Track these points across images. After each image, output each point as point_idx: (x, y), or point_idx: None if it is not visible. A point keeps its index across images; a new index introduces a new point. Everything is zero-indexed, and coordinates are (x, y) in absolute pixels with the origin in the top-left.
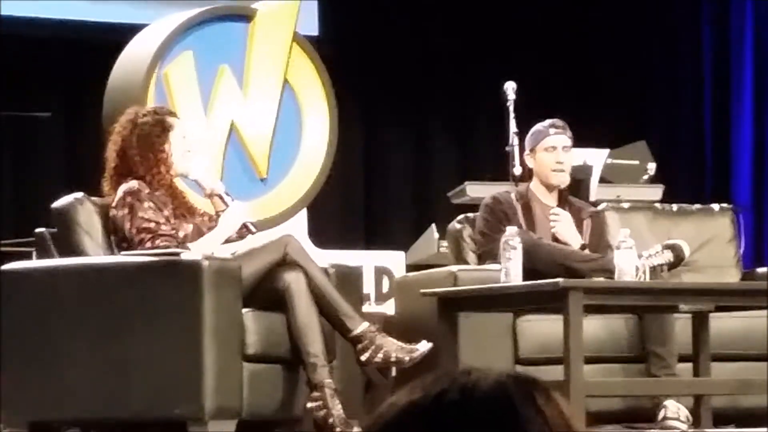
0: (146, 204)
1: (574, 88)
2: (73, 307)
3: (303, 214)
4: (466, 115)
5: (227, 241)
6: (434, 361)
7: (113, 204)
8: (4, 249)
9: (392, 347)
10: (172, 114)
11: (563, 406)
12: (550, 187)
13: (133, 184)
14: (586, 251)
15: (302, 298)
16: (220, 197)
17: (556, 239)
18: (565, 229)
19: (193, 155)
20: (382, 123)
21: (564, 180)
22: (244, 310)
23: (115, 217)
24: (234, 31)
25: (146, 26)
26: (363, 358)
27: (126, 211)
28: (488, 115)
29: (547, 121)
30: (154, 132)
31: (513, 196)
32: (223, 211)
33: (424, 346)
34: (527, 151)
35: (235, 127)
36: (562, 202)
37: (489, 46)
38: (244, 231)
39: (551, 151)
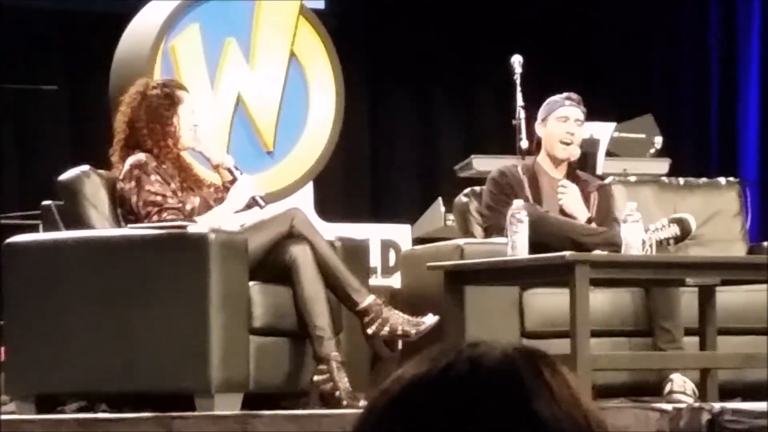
0: (153, 177)
1: (580, 62)
2: (79, 279)
3: (309, 187)
4: (473, 88)
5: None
6: (440, 334)
7: (120, 177)
8: (10, 222)
9: (399, 320)
10: (182, 88)
11: (570, 380)
12: (557, 160)
13: (141, 156)
14: (593, 225)
15: (309, 271)
16: (229, 170)
17: (563, 212)
18: (571, 202)
19: (200, 129)
20: (389, 96)
21: (573, 153)
22: (250, 283)
23: (122, 189)
24: (240, 4)
25: None
26: (369, 331)
27: (133, 184)
28: (495, 88)
29: (564, 93)
30: (163, 105)
31: (520, 169)
32: (231, 182)
33: (430, 320)
34: (539, 121)
35: (242, 99)
36: (570, 175)
37: (496, 18)
38: (252, 203)
39: (563, 121)
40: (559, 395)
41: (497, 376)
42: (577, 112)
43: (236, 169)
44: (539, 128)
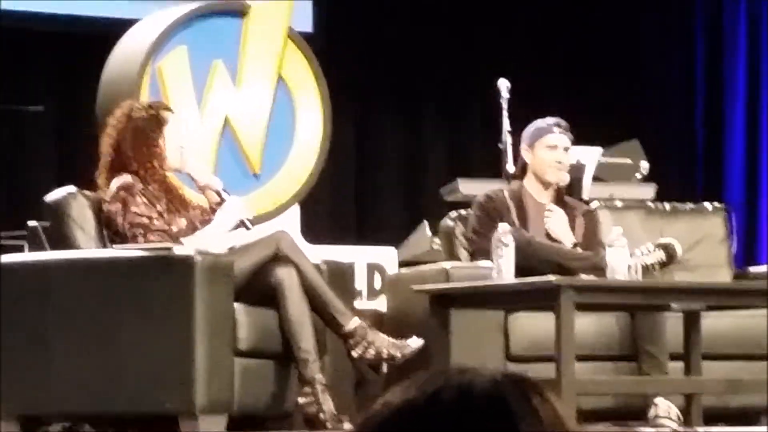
0: (139, 199)
1: (567, 86)
2: (64, 300)
3: (296, 210)
4: (459, 112)
5: None
6: (426, 357)
7: (107, 198)
8: None
9: (384, 343)
10: (167, 108)
11: (558, 406)
12: (546, 184)
13: (126, 178)
14: (579, 249)
15: (294, 294)
16: (217, 193)
17: (549, 236)
18: (557, 227)
19: (186, 150)
20: (375, 119)
21: (563, 178)
22: (236, 305)
23: (108, 211)
24: (228, 26)
25: (139, 21)
26: (355, 354)
27: (119, 206)
28: (481, 112)
29: (550, 119)
30: (149, 126)
31: (506, 193)
32: (218, 204)
33: (415, 343)
34: (524, 146)
35: (229, 121)
36: (557, 199)
37: (482, 42)
38: (240, 225)
39: (552, 150)
40: (547, 421)
41: (486, 402)
42: (566, 139)
43: (224, 191)
44: (525, 153)
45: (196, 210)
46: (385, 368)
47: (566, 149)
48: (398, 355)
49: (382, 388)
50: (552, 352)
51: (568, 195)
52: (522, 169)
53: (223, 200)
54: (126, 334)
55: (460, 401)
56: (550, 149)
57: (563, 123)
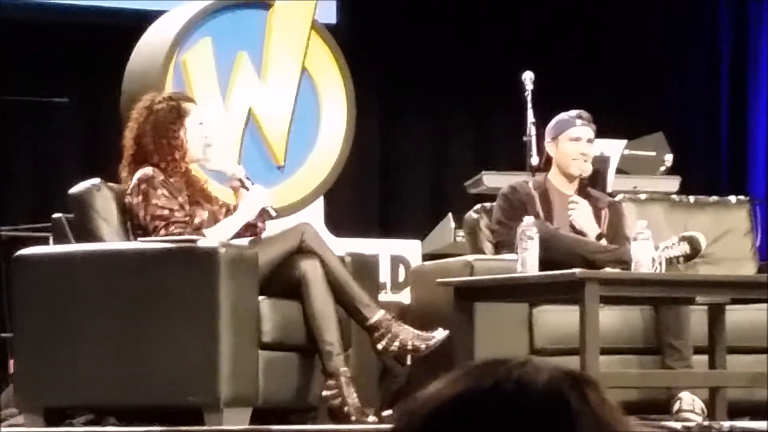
0: (160, 191)
1: (591, 79)
2: (89, 292)
3: (320, 202)
4: (484, 104)
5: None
6: (450, 350)
7: (128, 191)
8: (21, 234)
9: (408, 335)
10: (189, 99)
11: (614, 405)
12: (569, 177)
13: (147, 170)
14: (603, 241)
15: (318, 287)
16: (241, 181)
17: (573, 228)
18: (582, 218)
19: (211, 145)
20: (400, 111)
21: (586, 169)
22: (260, 298)
23: (130, 204)
24: (252, 18)
25: (165, 12)
26: (379, 346)
27: (140, 198)
28: (506, 104)
29: (573, 112)
30: (169, 119)
31: (530, 185)
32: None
33: (440, 334)
34: (548, 139)
35: (253, 114)
36: (581, 192)
37: (507, 35)
38: (264, 215)
39: (576, 142)
40: (603, 419)
41: (544, 397)
42: (589, 131)
43: (248, 179)
44: (549, 146)
45: (221, 207)
46: (409, 360)
47: (590, 141)
48: (423, 346)
49: (407, 380)
50: (576, 345)
51: (592, 187)
52: (546, 162)
53: (246, 189)
54: (150, 327)
55: (519, 394)
56: (573, 141)
57: (586, 114)
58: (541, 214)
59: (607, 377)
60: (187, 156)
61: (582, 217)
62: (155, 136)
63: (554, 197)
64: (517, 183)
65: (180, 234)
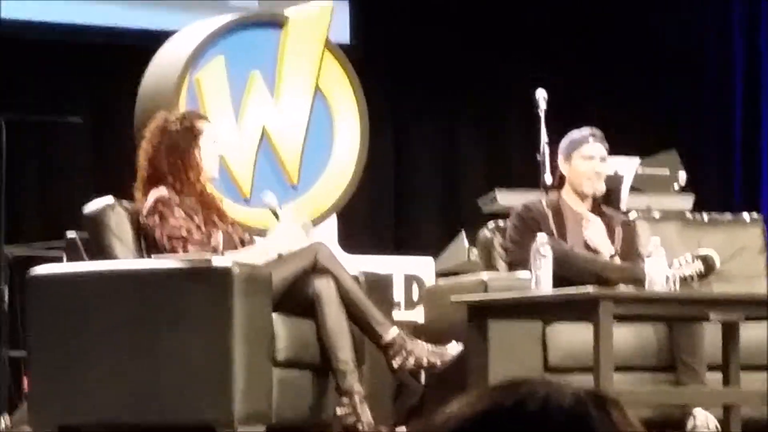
0: (177, 212)
1: (604, 97)
2: (103, 311)
3: (333, 220)
4: (497, 122)
5: None
6: (464, 368)
7: (144, 212)
8: (34, 253)
9: (423, 351)
10: (202, 118)
11: (638, 426)
12: (583, 195)
13: (163, 191)
14: (617, 259)
15: (332, 305)
16: (273, 211)
17: (587, 246)
18: (596, 236)
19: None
20: (413, 130)
21: (599, 188)
22: (274, 316)
23: (146, 224)
24: (266, 37)
25: (178, 32)
26: (395, 364)
27: (157, 218)
28: (519, 122)
29: (586, 129)
30: (183, 139)
31: (544, 203)
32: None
33: (454, 348)
34: (561, 158)
35: (267, 133)
36: (595, 210)
37: (520, 53)
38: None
39: (588, 160)
40: None
41: (568, 417)
42: (601, 149)
43: (279, 208)
44: (562, 165)
45: (235, 225)
46: (423, 376)
47: (602, 159)
48: (438, 362)
49: (421, 398)
50: (590, 363)
51: (606, 205)
52: (560, 181)
53: (277, 220)
54: (164, 345)
55: (543, 414)
56: (586, 160)
57: (598, 132)
58: (555, 232)
59: (621, 395)
60: (201, 176)
61: (595, 235)
62: (169, 156)
63: (567, 215)
64: (530, 201)
65: (197, 253)
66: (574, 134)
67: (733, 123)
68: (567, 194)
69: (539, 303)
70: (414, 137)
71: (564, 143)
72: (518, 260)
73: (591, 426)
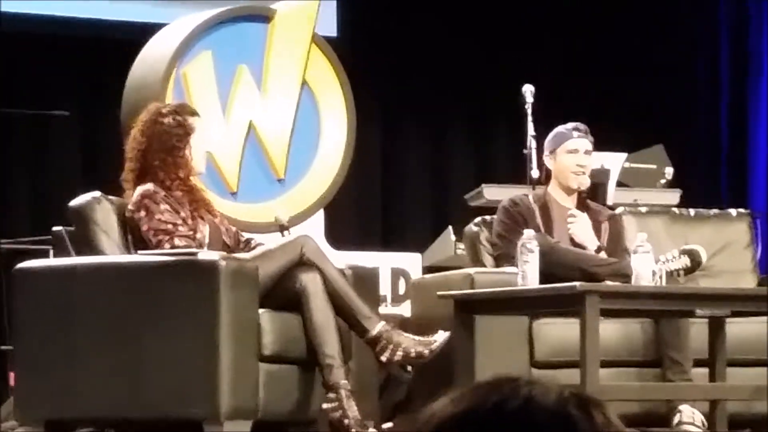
0: (162, 206)
1: (591, 92)
2: (89, 305)
3: (320, 215)
4: (484, 117)
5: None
6: (450, 363)
7: (130, 206)
8: (21, 247)
9: (410, 343)
10: (193, 113)
11: (620, 427)
12: (568, 190)
13: (149, 186)
14: (603, 254)
15: (318, 299)
16: (281, 227)
17: (573, 241)
18: (581, 231)
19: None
20: (400, 124)
21: (584, 182)
22: (260, 311)
23: (131, 218)
24: (253, 31)
25: (165, 25)
26: (383, 357)
27: (143, 213)
28: (506, 117)
29: (570, 124)
30: (175, 137)
31: (531, 198)
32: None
33: (441, 336)
34: (547, 153)
35: (254, 127)
36: (581, 205)
37: (507, 48)
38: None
39: (573, 154)
40: None
41: (550, 417)
42: (586, 143)
43: (286, 228)
44: (548, 160)
45: (220, 218)
46: (411, 369)
47: (587, 152)
48: (426, 352)
49: (407, 392)
50: (576, 358)
51: (592, 200)
52: (546, 176)
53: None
54: (150, 340)
55: (524, 412)
56: (570, 154)
57: (582, 126)
58: (542, 227)
59: (608, 390)
60: (191, 172)
61: (581, 230)
62: (160, 153)
63: (554, 210)
64: (517, 196)
65: (185, 247)
66: (559, 129)
67: (720, 119)
68: (553, 189)
69: (526, 298)
70: (401, 132)
71: (549, 138)
72: (505, 255)
73: (573, 427)
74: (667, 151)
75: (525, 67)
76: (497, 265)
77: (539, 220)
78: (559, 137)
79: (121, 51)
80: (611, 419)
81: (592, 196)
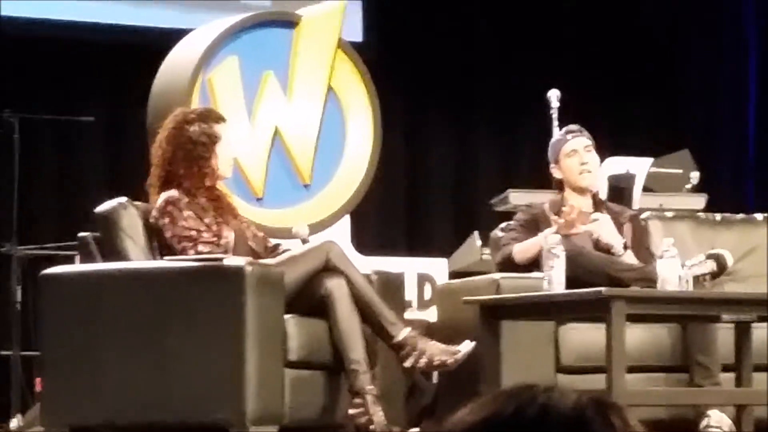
0: (186, 213)
1: (617, 97)
2: (115, 311)
3: (346, 220)
4: (510, 121)
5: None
6: (476, 368)
7: (154, 212)
8: (47, 253)
9: (435, 350)
10: (220, 120)
11: (640, 431)
12: (581, 191)
13: (173, 193)
14: (629, 252)
15: (344, 305)
16: (303, 242)
17: (597, 244)
18: (606, 232)
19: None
20: (426, 129)
21: (593, 180)
22: (286, 316)
23: (156, 224)
24: (279, 37)
25: (190, 31)
26: (407, 363)
27: (166, 220)
28: (532, 122)
29: (563, 129)
30: (201, 145)
31: (546, 205)
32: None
33: (466, 347)
34: (552, 164)
35: (279, 132)
36: (598, 206)
37: (533, 54)
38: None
39: (573, 155)
40: None
41: (568, 422)
42: (583, 140)
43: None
44: (555, 171)
45: (246, 224)
46: (436, 376)
47: (587, 148)
48: (450, 360)
49: (433, 398)
50: (602, 363)
51: (618, 204)
52: (559, 184)
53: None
54: (176, 345)
55: (542, 420)
56: (571, 155)
57: (575, 127)
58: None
59: (634, 395)
60: (215, 180)
61: (606, 231)
62: (186, 161)
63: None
64: (533, 203)
65: (209, 253)
66: (554, 138)
67: (746, 123)
68: (569, 195)
69: (552, 303)
70: (427, 136)
71: (549, 151)
72: (504, 260)
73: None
74: (693, 156)
75: (551, 71)
76: (499, 270)
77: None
78: (555, 145)
79: (146, 56)
80: (630, 423)
81: (618, 200)
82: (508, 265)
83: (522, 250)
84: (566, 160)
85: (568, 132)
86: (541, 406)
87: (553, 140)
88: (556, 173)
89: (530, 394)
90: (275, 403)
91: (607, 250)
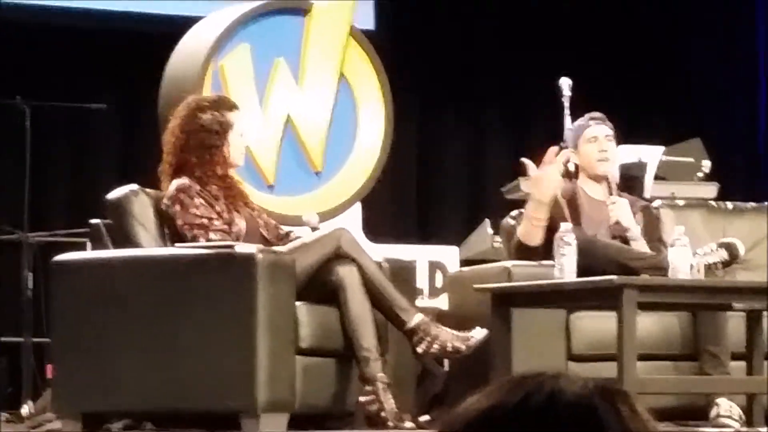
0: (197, 200)
1: (629, 85)
2: (126, 298)
3: (357, 208)
4: (521, 109)
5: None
6: (487, 356)
7: (165, 200)
8: (58, 239)
9: (448, 337)
10: (232, 107)
11: (647, 418)
12: (597, 179)
13: (184, 180)
14: (643, 241)
15: (356, 292)
16: (313, 230)
17: (615, 228)
18: (625, 216)
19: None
20: (437, 117)
21: (610, 169)
22: (297, 304)
23: (167, 212)
24: (290, 24)
25: (202, 19)
26: (419, 349)
27: (177, 207)
28: (544, 110)
29: (586, 115)
30: (213, 133)
31: (559, 193)
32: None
33: (479, 333)
34: (570, 149)
35: (291, 120)
36: (612, 194)
37: (545, 41)
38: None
39: (593, 142)
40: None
41: (574, 410)
42: (605, 129)
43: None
44: (573, 156)
45: (258, 211)
46: (446, 362)
47: (608, 137)
48: (463, 347)
49: (444, 385)
50: (613, 351)
51: (630, 193)
52: (575, 172)
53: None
54: (188, 333)
55: (548, 408)
56: (591, 142)
57: (598, 114)
58: (569, 220)
59: (645, 383)
60: (227, 167)
61: (625, 215)
62: (198, 148)
63: (584, 203)
64: None
65: (220, 241)
66: (576, 122)
67: (758, 112)
68: (583, 183)
69: (563, 291)
70: (438, 124)
71: (569, 135)
72: (519, 247)
73: (598, 418)
74: (705, 145)
75: (562, 59)
76: (512, 257)
77: (566, 215)
78: (577, 130)
79: (158, 44)
80: (638, 410)
81: (629, 189)
82: (523, 250)
83: (523, 232)
84: (586, 146)
85: (591, 118)
86: (548, 394)
87: (574, 125)
88: (574, 159)
89: (537, 382)
90: (286, 391)
91: (624, 233)
